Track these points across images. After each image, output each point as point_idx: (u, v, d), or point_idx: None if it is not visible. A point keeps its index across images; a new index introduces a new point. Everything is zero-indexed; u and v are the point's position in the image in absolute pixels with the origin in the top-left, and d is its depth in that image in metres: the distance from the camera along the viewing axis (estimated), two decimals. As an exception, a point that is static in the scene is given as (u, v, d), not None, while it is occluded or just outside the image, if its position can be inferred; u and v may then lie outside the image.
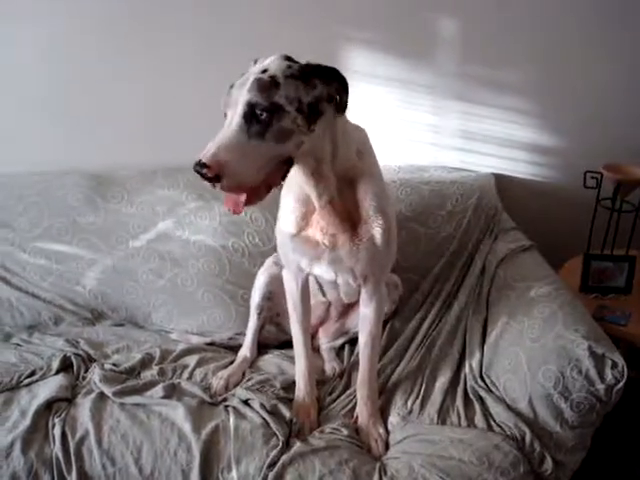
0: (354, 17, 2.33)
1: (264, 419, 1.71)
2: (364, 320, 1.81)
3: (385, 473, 1.60)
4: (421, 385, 1.87)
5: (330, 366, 2.04)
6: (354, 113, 1.53)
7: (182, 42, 2.34)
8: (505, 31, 2.33)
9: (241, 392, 1.82)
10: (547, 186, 2.57)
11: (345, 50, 2.35)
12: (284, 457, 1.62)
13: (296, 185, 1.61)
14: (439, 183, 2.33)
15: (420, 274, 2.26)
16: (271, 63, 1.39)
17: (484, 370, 1.88)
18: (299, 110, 1.35)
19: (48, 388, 1.80)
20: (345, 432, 1.73)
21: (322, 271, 1.71)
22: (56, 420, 1.70)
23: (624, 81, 2.42)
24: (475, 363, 1.90)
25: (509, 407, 1.73)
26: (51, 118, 2.44)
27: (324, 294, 1.98)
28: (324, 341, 2.14)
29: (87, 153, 2.48)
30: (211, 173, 1.26)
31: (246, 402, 1.78)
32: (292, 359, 1.91)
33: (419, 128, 2.49)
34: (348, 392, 1.91)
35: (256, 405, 1.75)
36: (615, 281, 2.28)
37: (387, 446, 1.74)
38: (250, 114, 1.31)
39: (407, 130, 2.49)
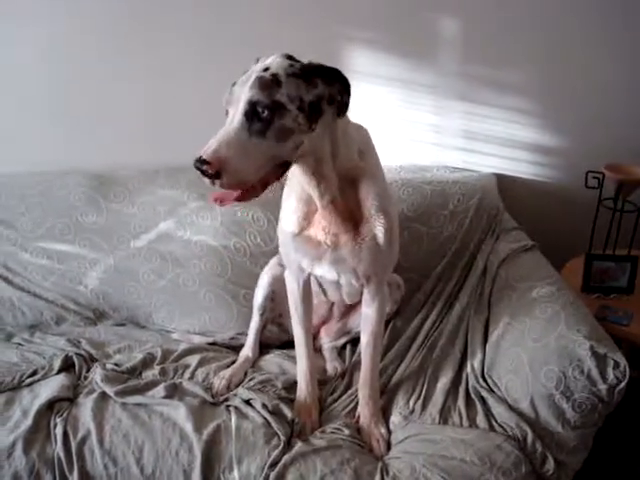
0: (355, 17, 2.33)
1: (266, 419, 1.71)
2: (366, 320, 1.81)
3: (387, 473, 1.60)
4: (423, 385, 1.87)
5: (332, 366, 2.04)
6: (356, 113, 1.52)
7: (182, 42, 2.34)
8: (506, 31, 2.33)
9: (243, 392, 1.82)
10: (549, 186, 2.57)
11: (346, 50, 2.35)
12: (286, 457, 1.62)
13: (298, 185, 1.61)
14: (441, 183, 2.33)
15: (422, 274, 2.25)
16: (273, 62, 1.39)
17: (486, 370, 1.88)
18: (300, 109, 1.35)
19: (50, 388, 1.80)
20: (347, 432, 1.73)
21: (324, 271, 1.71)
22: (58, 420, 1.70)
23: (626, 81, 2.42)
24: (477, 363, 1.90)
25: (511, 407, 1.73)
26: (51, 118, 2.44)
27: (326, 295, 1.98)
28: (326, 341, 2.14)
29: (87, 153, 2.48)
30: (212, 170, 1.26)
31: (248, 402, 1.78)
32: (294, 359, 1.91)
33: (421, 128, 2.49)
34: (350, 392, 1.91)
35: (258, 405, 1.75)
36: (617, 281, 2.27)
37: (389, 446, 1.74)
38: (252, 112, 1.31)
39: (409, 130, 2.49)
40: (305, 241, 1.66)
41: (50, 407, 1.74)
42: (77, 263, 2.26)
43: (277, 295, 2.04)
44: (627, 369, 1.58)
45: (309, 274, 1.78)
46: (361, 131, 1.65)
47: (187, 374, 1.91)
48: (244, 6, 2.30)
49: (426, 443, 1.66)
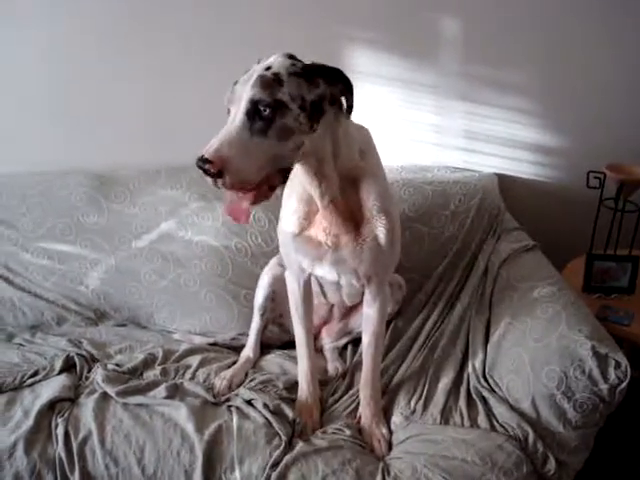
0: (356, 17, 2.33)
1: (267, 419, 1.72)
2: (367, 320, 1.81)
3: (388, 473, 1.60)
4: (424, 385, 1.87)
5: (333, 366, 2.04)
6: (357, 113, 1.52)
7: (182, 42, 2.34)
8: (507, 31, 2.33)
9: (244, 392, 1.82)
10: (550, 186, 2.57)
11: (347, 50, 2.35)
12: (287, 457, 1.62)
13: (299, 185, 1.61)
14: (442, 183, 2.33)
15: (423, 274, 2.25)
16: (275, 61, 1.39)
17: (487, 370, 1.88)
18: (302, 108, 1.35)
19: (51, 388, 1.80)
20: (348, 432, 1.73)
21: (324, 272, 1.71)
22: (59, 420, 1.70)
23: (627, 81, 2.42)
24: (478, 363, 1.90)
25: (512, 407, 1.73)
26: (52, 118, 2.44)
27: (325, 296, 1.98)
28: (327, 341, 2.14)
29: (88, 153, 2.48)
30: (214, 169, 1.26)
31: (249, 402, 1.78)
32: (295, 359, 1.91)
33: (422, 128, 2.49)
34: (351, 392, 1.90)
35: (259, 405, 1.75)
36: (618, 281, 2.27)
37: (390, 446, 1.74)
38: (253, 111, 1.31)
39: (410, 130, 2.49)
40: (305, 241, 1.66)
41: (51, 407, 1.74)
42: (78, 263, 2.26)
43: (278, 295, 2.04)
44: (628, 369, 1.58)
45: (309, 274, 1.78)
46: (362, 131, 1.65)
47: (188, 374, 1.91)
48: (244, 6, 2.29)
49: (427, 443, 1.66)
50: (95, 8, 2.29)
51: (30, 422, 1.69)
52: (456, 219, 2.28)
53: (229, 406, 1.78)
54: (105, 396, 1.79)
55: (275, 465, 1.60)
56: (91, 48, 2.35)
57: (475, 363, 1.91)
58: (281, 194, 1.76)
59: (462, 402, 1.79)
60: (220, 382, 1.87)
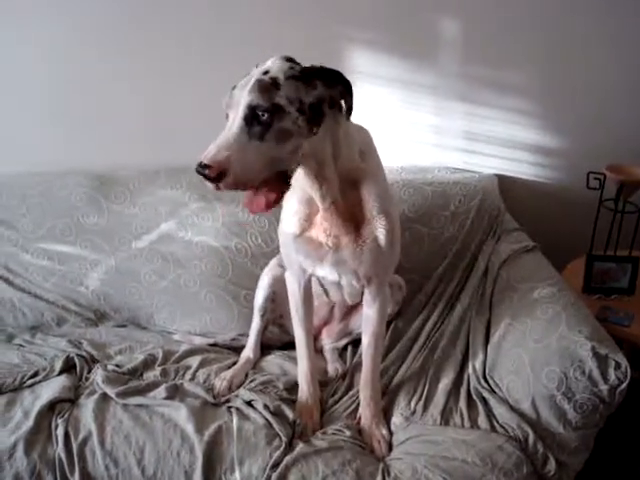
0: (355, 17, 2.32)
1: (267, 420, 1.72)
2: (367, 321, 1.81)
3: (388, 474, 1.60)
4: (424, 386, 1.87)
5: (333, 367, 2.04)
6: (357, 114, 1.52)
7: (182, 42, 2.34)
8: (507, 32, 2.33)
9: (244, 393, 1.82)
10: (550, 187, 2.57)
11: (347, 51, 2.35)
12: (287, 458, 1.62)
13: (299, 187, 1.60)
14: (442, 184, 2.33)
15: (423, 275, 2.25)
16: (273, 64, 1.39)
17: (487, 371, 1.88)
18: (300, 111, 1.35)
19: (51, 389, 1.80)
20: (348, 433, 1.73)
21: (325, 272, 1.71)
22: (59, 421, 1.70)
23: (626, 81, 2.42)
24: (478, 364, 1.90)
25: (512, 408, 1.73)
26: (51, 118, 2.44)
27: (327, 295, 1.98)
28: (327, 342, 2.14)
29: (88, 153, 2.48)
30: (213, 173, 1.27)
31: (249, 403, 1.78)
32: (295, 360, 1.91)
33: (422, 129, 2.49)
34: (351, 393, 1.90)
35: (259, 406, 1.75)
36: (618, 282, 2.27)
37: (390, 447, 1.74)
38: (251, 116, 1.31)
39: (410, 131, 2.49)
40: (306, 242, 1.66)
41: (51, 408, 1.74)
42: (78, 264, 2.26)
43: (278, 296, 2.04)
44: (628, 370, 1.59)
45: (310, 275, 1.78)
46: (362, 132, 1.65)
47: (188, 375, 1.91)
48: (244, 6, 2.29)
49: (427, 444, 1.66)
50: (95, 8, 2.29)
51: (30, 423, 1.69)
52: (456, 220, 2.28)
53: (229, 407, 1.78)
54: (105, 397, 1.78)
55: (275, 466, 1.60)
56: (91, 48, 2.34)
57: (475, 364, 1.91)
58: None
59: (462, 403, 1.79)
60: (220, 383, 1.87)
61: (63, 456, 1.64)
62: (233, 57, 2.17)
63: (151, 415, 1.73)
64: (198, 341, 2.16)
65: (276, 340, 2.16)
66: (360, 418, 1.80)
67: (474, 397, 1.81)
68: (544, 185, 2.57)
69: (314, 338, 1.98)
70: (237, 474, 1.61)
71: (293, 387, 1.87)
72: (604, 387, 1.59)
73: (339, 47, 2.34)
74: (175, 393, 1.80)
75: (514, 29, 2.33)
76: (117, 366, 1.92)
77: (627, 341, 2.11)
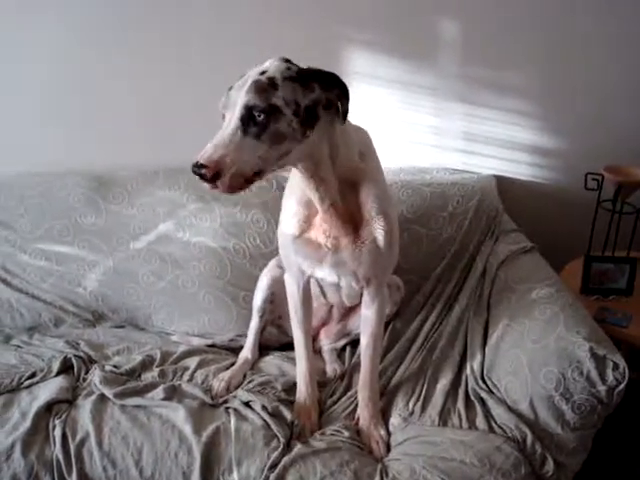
0: (355, 18, 2.33)
1: (265, 421, 1.71)
2: (366, 322, 1.81)
3: (386, 475, 1.60)
4: (422, 387, 1.87)
5: (331, 368, 2.03)
6: (356, 115, 1.52)
7: (183, 42, 2.34)
8: (506, 33, 2.33)
9: (242, 394, 1.81)
10: (548, 188, 2.57)
11: (346, 51, 2.35)
12: (285, 459, 1.61)
13: (298, 188, 1.61)
14: (440, 185, 2.33)
15: (421, 276, 2.25)
16: (270, 65, 1.39)
17: (485, 372, 1.88)
18: (295, 113, 1.35)
19: (48, 390, 1.80)
20: (346, 434, 1.73)
21: (324, 274, 1.71)
22: (56, 422, 1.70)
23: (625, 83, 2.42)
24: (476, 365, 1.90)
25: (510, 409, 1.73)
26: (51, 118, 2.44)
27: (325, 297, 1.98)
28: (325, 342, 2.14)
29: (87, 153, 2.48)
30: (209, 173, 1.27)
31: (247, 404, 1.78)
32: (293, 361, 1.91)
33: (421, 130, 2.49)
34: (349, 394, 1.90)
35: (257, 407, 1.75)
36: (616, 283, 2.27)
37: (388, 448, 1.74)
38: (248, 116, 1.31)
39: (409, 132, 2.49)
40: (305, 244, 1.66)
41: (49, 409, 1.74)
42: (76, 265, 2.26)
43: (276, 297, 2.04)
44: (626, 371, 1.59)
45: (309, 276, 1.78)
46: (361, 133, 1.65)
47: (186, 376, 1.91)
48: (244, 6, 2.30)
49: (426, 445, 1.66)
50: (95, 8, 2.29)
51: (27, 424, 1.68)
52: (454, 220, 2.28)
53: (227, 408, 1.78)
54: (103, 398, 1.78)
55: (273, 467, 1.60)
56: (91, 48, 2.35)
57: (473, 364, 1.91)
58: (280, 196, 1.76)
59: (460, 404, 1.79)
60: (218, 384, 1.86)
61: (61, 457, 1.64)
62: (233, 57, 2.17)
63: (149, 416, 1.73)
64: (196, 342, 2.15)
65: (274, 341, 2.16)
66: (358, 419, 1.80)
67: (472, 398, 1.81)
68: (542, 186, 2.57)
69: (312, 339, 1.98)
70: (235, 475, 1.61)
71: (291, 388, 1.87)
72: (602, 388, 1.59)
73: (339, 48, 2.35)
74: (173, 394, 1.80)
75: (513, 30, 2.33)
76: (115, 367, 1.92)
77: (625, 342, 2.10)
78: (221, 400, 1.81)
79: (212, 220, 2.25)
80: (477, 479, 1.55)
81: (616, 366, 1.59)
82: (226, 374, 1.91)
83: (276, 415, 1.74)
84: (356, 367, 1.95)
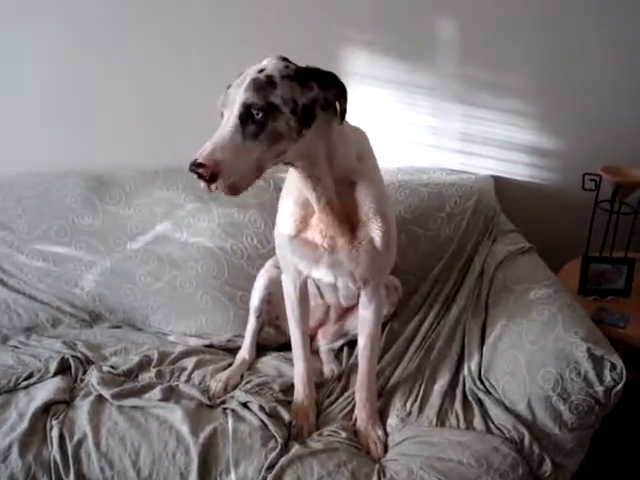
0: (354, 18, 2.33)
1: (263, 421, 1.71)
2: (363, 322, 1.81)
3: (384, 475, 1.60)
4: (420, 387, 1.87)
5: (329, 368, 2.03)
6: (353, 115, 1.52)
7: (183, 42, 2.34)
8: (504, 33, 2.33)
9: (240, 394, 1.81)
10: (546, 188, 2.57)
11: (345, 52, 2.35)
12: (283, 459, 1.61)
13: (295, 188, 1.61)
14: (438, 185, 2.33)
15: (419, 276, 2.25)
16: (268, 63, 1.39)
17: (483, 372, 1.87)
18: (293, 112, 1.35)
19: (46, 390, 1.79)
20: (344, 434, 1.73)
21: (321, 274, 1.71)
22: (54, 423, 1.70)
23: (623, 83, 2.42)
24: (474, 365, 1.90)
25: (508, 409, 1.73)
26: (51, 118, 2.44)
27: (322, 297, 1.98)
28: (323, 343, 2.14)
29: (86, 153, 2.48)
30: (207, 172, 1.26)
31: (245, 404, 1.77)
32: (291, 361, 1.91)
33: (418, 130, 2.49)
34: (347, 394, 1.90)
35: (255, 407, 1.75)
36: (614, 283, 2.27)
37: (386, 448, 1.74)
38: (246, 115, 1.31)
39: (406, 132, 2.49)
40: (302, 244, 1.65)
41: (46, 410, 1.74)
42: (73, 265, 2.26)
43: (274, 297, 2.04)
44: (624, 371, 1.58)
45: (306, 277, 1.78)
46: (359, 133, 1.65)
47: (184, 377, 1.91)
48: (244, 6, 2.30)
49: (423, 445, 1.66)
50: (95, 8, 2.29)
51: (25, 425, 1.68)
52: (452, 221, 2.28)
53: (224, 408, 1.77)
54: (100, 398, 1.78)
55: (271, 467, 1.60)
56: (91, 48, 2.35)
57: (471, 365, 1.91)
58: (277, 196, 1.76)
59: (458, 404, 1.79)
60: (216, 384, 1.86)
61: (58, 458, 1.64)
62: (233, 57, 2.16)
63: (146, 417, 1.73)
64: (193, 342, 2.15)
65: (272, 341, 2.16)
66: (356, 419, 1.80)
67: (470, 398, 1.81)
68: (540, 186, 2.57)
69: (310, 339, 1.97)
70: (232, 476, 1.61)
71: (289, 388, 1.87)
72: (600, 388, 1.59)
73: (337, 48, 2.35)
74: (170, 395, 1.80)
75: (512, 30, 2.33)
76: (112, 367, 1.92)
77: (623, 342, 2.11)
78: (219, 401, 1.81)
79: (210, 220, 2.25)
80: (474, 480, 1.55)
81: (614, 367, 1.59)
82: (223, 375, 1.91)
83: (274, 416, 1.74)
84: (353, 368, 1.95)
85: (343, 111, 1.43)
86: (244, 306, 2.14)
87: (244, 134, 1.31)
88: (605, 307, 2.20)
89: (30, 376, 1.86)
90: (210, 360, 2.01)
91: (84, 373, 1.91)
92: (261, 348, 2.11)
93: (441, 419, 1.75)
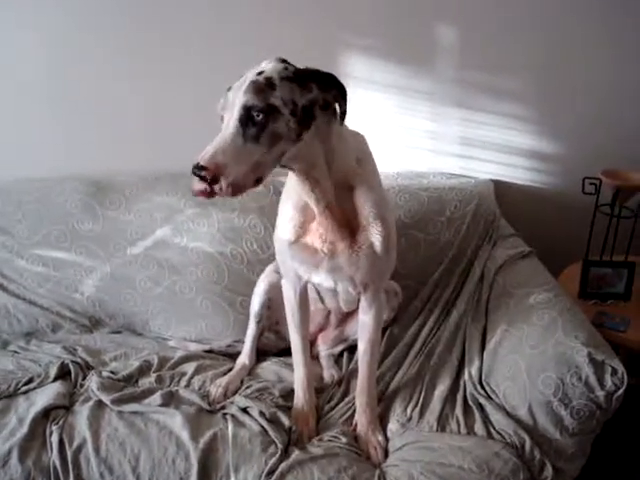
0: (353, 24, 2.33)
1: (263, 427, 1.71)
2: (363, 327, 1.81)
3: (384, 481, 1.60)
4: (420, 392, 1.86)
5: (329, 373, 2.03)
6: (352, 119, 1.52)
7: (183, 42, 2.34)
8: (503, 37, 2.34)
9: (240, 400, 1.81)
10: (546, 192, 2.57)
11: (344, 57, 2.35)
12: (283, 465, 1.61)
13: (294, 192, 1.61)
14: (438, 189, 2.33)
15: (419, 281, 2.25)
16: (266, 65, 1.39)
17: (483, 377, 1.87)
18: (293, 113, 1.35)
19: (46, 395, 1.79)
20: (344, 440, 1.72)
21: (321, 279, 1.71)
22: (54, 428, 1.69)
23: (622, 87, 2.42)
24: (474, 370, 1.90)
25: (509, 414, 1.73)
26: (51, 121, 2.44)
27: (323, 302, 1.97)
28: (323, 348, 2.13)
29: (85, 159, 2.48)
30: (209, 175, 1.26)
31: (245, 410, 1.77)
32: (291, 366, 1.91)
33: (418, 134, 2.49)
34: (347, 399, 1.90)
35: (255, 413, 1.74)
36: (614, 287, 2.27)
37: (386, 453, 1.74)
38: (246, 117, 1.31)
39: (406, 136, 2.49)
40: (302, 249, 1.65)
41: (46, 415, 1.73)
42: (73, 270, 2.26)
43: (274, 302, 2.03)
44: (625, 376, 1.58)
45: (306, 282, 1.77)
46: (358, 138, 1.65)
47: (183, 382, 1.90)
48: (244, 6, 2.30)
49: (424, 451, 1.65)
50: (95, 9, 2.29)
51: (24, 430, 1.68)
52: (452, 225, 2.27)
53: (224, 414, 1.77)
54: (100, 404, 1.78)
55: (271, 473, 1.60)
56: (90, 51, 2.35)
57: (471, 370, 1.90)
58: (277, 200, 1.76)
59: (458, 409, 1.79)
60: (215, 389, 1.86)
61: (58, 463, 1.63)
62: (233, 57, 2.17)
63: (146, 422, 1.72)
64: (193, 347, 2.15)
65: (272, 346, 2.16)
66: (356, 425, 1.79)
67: (470, 403, 1.81)
68: (540, 190, 2.57)
69: (310, 345, 1.97)
70: (232, 481, 1.61)
71: (289, 394, 1.86)
72: (601, 393, 1.59)
73: (337, 53, 2.35)
74: (170, 400, 1.80)
75: (510, 34, 2.33)
76: (112, 373, 1.92)
77: (623, 347, 2.10)
78: (218, 406, 1.80)
79: (210, 225, 2.25)
80: (475, 485, 1.55)
81: (615, 371, 1.59)
82: (223, 380, 1.90)
83: (274, 421, 1.73)
84: (354, 373, 1.95)
85: (343, 112, 1.43)
86: (244, 311, 2.14)
87: (245, 136, 1.31)
88: (605, 311, 2.20)
89: (30, 381, 1.86)
90: (210, 365, 2.01)
91: (84, 378, 1.91)
92: (261, 353, 2.11)
93: (442, 424, 1.75)
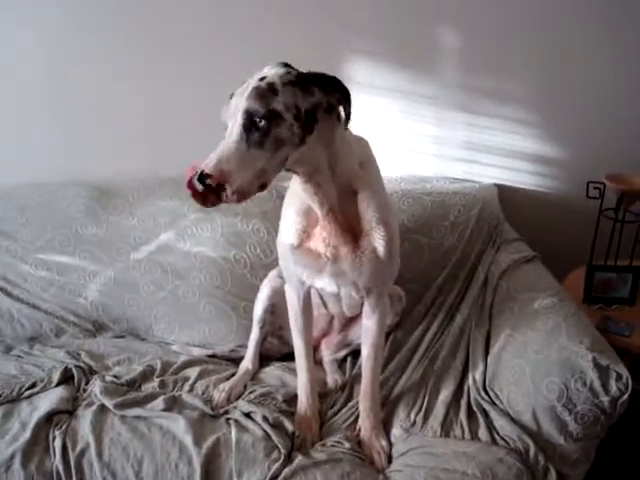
0: (356, 28, 2.33)
1: (266, 432, 1.70)
2: (366, 332, 1.80)
3: (388, 486, 1.59)
4: (424, 397, 1.86)
5: (332, 378, 2.02)
6: (356, 124, 1.52)
7: (183, 42, 2.35)
8: (507, 42, 2.33)
9: (243, 405, 1.81)
10: (550, 196, 2.57)
11: (347, 61, 2.35)
12: (286, 470, 1.61)
13: (297, 197, 1.61)
14: (441, 194, 2.32)
15: (423, 285, 2.24)
16: (269, 71, 1.39)
17: (487, 382, 1.87)
18: (296, 118, 1.35)
19: (49, 400, 1.79)
20: (347, 445, 1.72)
21: (324, 284, 1.71)
22: (57, 432, 1.69)
23: (626, 91, 2.42)
24: (478, 375, 1.89)
25: (513, 420, 1.72)
26: (52, 125, 2.45)
27: (326, 307, 1.97)
28: (326, 353, 2.13)
29: (89, 163, 2.48)
30: (214, 182, 1.27)
31: (248, 415, 1.77)
32: (294, 371, 1.90)
33: (421, 139, 2.49)
34: (350, 404, 1.89)
35: (258, 418, 1.74)
36: (619, 292, 2.27)
37: (390, 459, 1.73)
38: (249, 123, 1.31)
39: (409, 141, 2.49)
40: (305, 254, 1.65)
41: (49, 420, 1.73)
42: (77, 275, 2.26)
43: (277, 307, 2.03)
44: (629, 381, 1.58)
45: (309, 287, 1.77)
46: (361, 142, 1.65)
47: (187, 386, 1.90)
48: (244, 6, 2.30)
49: (427, 456, 1.65)
50: (95, 9, 2.30)
51: (27, 434, 1.68)
52: (455, 230, 2.27)
53: (228, 419, 1.77)
54: (103, 408, 1.78)
55: (274, 478, 1.59)
56: (89, 49, 2.35)
57: (475, 375, 1.90)
58: (280, 204, 1.76)
59: (462, 415, 1.78)
60: (219, 394, 1.86)
61: (61, 468, 1.63)
62: (233, 57, 2.17)
63: (149, 427, 1.72)
64: (197, 352, 2.15)
65: (275, 351, 2.15)
66: (360, 430, 1.79)
67: (474, 409, 1.80)
68: (544, 194, 2.56)
69: (313, 349, 1.97)
70: (236, 486, 1.60)
71: (292, 399, 1.86)
72: (605, 398, 1.58)
73: (340, 58, 2.35)
74: (173, 405, 1.79)
75: (513, 39, 2.33)
76: (115, 377, 1.91)
77: (628, 352, 2.09)
78: (222, 411, 1.80)
79: (213, 230, 2.25)
80: (479, 491, 1.54)
81: (619, 376, 1.58)
82: (227, 385, 1.90)
83: (277, 426, 1.73)
84: (357, 378, 1.95)
85: (348, 115, 1.43)
86: (247, 316, 2.14)
87: (248, 142, 1.31)
88: (610, 316, 2.19)
89: (33, 386, 1.86)
90: (213, 370, 2.01)
91: (87, 383, 1.91)
92: (264, 358, 2.10)
93: (445, 430, 1.74)
